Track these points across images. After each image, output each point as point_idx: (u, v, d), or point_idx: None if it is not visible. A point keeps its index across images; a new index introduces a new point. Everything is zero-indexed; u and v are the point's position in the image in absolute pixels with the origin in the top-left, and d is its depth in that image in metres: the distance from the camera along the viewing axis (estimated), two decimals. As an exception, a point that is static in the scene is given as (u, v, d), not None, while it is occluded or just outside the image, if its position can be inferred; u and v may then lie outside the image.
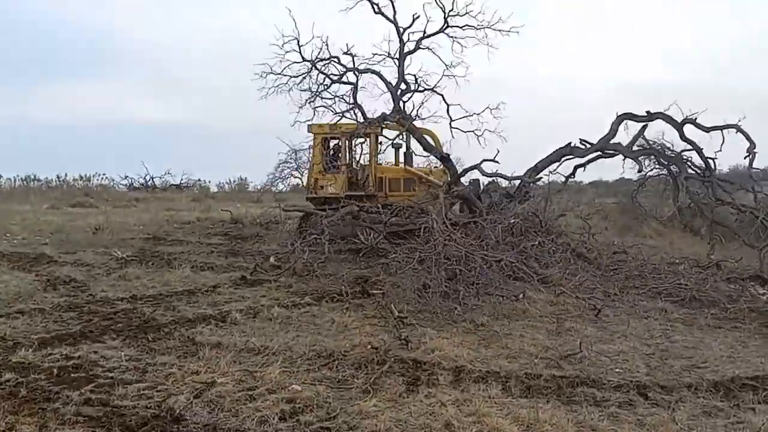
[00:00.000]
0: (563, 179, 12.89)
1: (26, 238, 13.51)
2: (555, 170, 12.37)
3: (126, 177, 34.14)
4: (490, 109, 12.43)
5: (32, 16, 63.70)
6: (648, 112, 11.54)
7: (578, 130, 43.54)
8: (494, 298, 7.76)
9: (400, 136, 13.95)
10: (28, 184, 31.13)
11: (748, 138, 10.90)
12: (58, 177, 32.30)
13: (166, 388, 4.69)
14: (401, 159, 14.98)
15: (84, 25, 65.16)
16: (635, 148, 11.74)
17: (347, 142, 14.37)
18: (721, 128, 11.04)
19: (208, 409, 4.27)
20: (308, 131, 13.81)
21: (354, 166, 14.71)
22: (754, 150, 10.89)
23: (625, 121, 11.77)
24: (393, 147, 14.93)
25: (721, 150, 11.04)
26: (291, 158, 18.62)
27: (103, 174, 33.51)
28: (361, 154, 14.85)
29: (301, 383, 4.80)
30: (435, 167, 15.21)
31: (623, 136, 11.80)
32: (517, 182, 12.26)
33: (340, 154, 14.48)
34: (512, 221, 10.53)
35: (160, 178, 34.93)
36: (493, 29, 12.45)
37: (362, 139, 14.38)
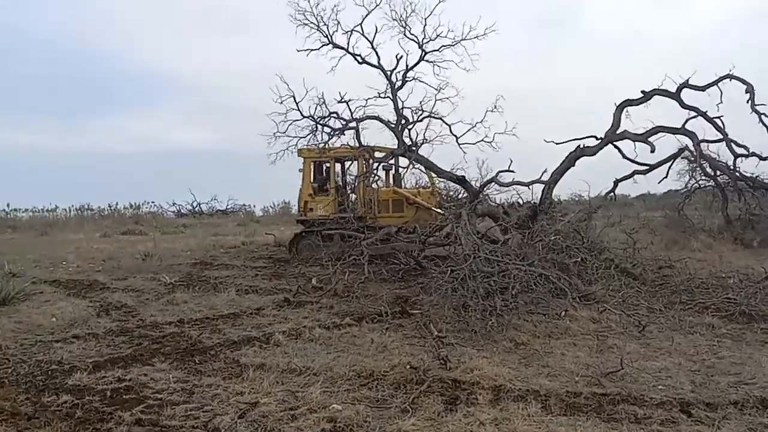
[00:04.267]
0: (604, 194, 12.75)
1: (80, 266, 14.10)
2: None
3: (174, 204, 35.30)
4: (491, 111, 12.71)
5: (71, 46, 66.38)
6: (642, 91, 11.43)
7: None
8: (536, 316, 7.72)
9: (389, 159, 14.21)
10: (81, 213, 32.44)
11: (743, 81, 11.19)
12: (109, 206, 33.65)
13: (211, 408, 4.85)
14: (390, 181, 15.28)
15: (132, 59, 67.67)
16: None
17: (335, 165, 14.79)
18: (715, 83, 11.20)
19: (252, 428, 4.41)
20: (298, 155, 14.14)
21: (345, 188, 15.06)
22: (753, 90, 11.16)
23: (625, 109, 11.63)
24: (383, 169, 15.22)
25: (721, 102, 11.20)
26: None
27: (152, 201, 34.79)
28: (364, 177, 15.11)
29: (342, 403, 4.89)
30: (423, 189, 15.42)
31: (628, 125, 11.69)
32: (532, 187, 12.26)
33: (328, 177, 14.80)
34: (552, 238, 10.45)
35: (207, 204, 35.95)
36: (468, 39, 12.92)
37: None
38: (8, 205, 31.16)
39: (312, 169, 14.62)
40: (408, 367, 5.82)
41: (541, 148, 13.17)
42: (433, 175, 14.58)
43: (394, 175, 15.10)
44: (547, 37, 66.98)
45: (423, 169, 14.35)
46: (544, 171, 11.77)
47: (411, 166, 13.86)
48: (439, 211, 14.24)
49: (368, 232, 12.33)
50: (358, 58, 13.36)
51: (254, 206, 36.58)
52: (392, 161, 14.24)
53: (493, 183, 12.26)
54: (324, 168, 15.01)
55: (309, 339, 7.13)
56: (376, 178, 14.83)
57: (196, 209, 35.16)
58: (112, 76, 66.98)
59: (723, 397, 4.99)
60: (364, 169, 14.56)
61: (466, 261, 8.10)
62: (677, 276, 10.51)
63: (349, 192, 15.19)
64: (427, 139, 12.80)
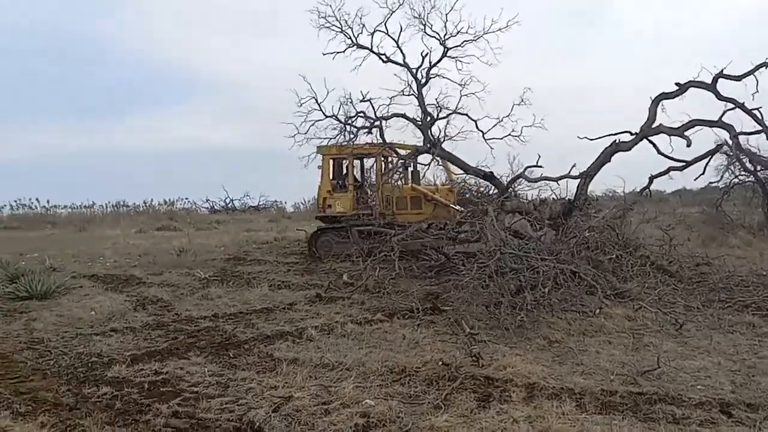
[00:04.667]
0: (639, 190, 12.51)
1: (117, 261, 14.43)
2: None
3: (207, 200, 35.87)
4: (517, 104, 12.55)
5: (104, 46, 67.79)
6: (677, 83, 11.13)
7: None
8: (570, 313, 7.62)
9: (414, 156, 14.11)
10: (118, 209, 33.21)
11: None
12: (144, 202, 34.36)
13: (246, 402, 4.92)
14: (409, 178, 15.18)
15: (170, 59, 68.91)
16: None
17: (354, 162, 14.74)
18: (752, 72, 10.85)
19: (286, 422, 4.46)
20: (317, 152, 14.12)
21: (363, 185, 15.03)
22: None
23: (661, 102, 11.35)
24: (402, 166, 15.11)
25: (757, 91, 10.85)
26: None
27: (186, 198, 35.39)
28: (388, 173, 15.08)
29: (374, 398, 4.91)
30: (441, 186, 15.31)
31: (663, 119, 11.42)
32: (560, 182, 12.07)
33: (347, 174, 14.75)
34: (587, 234, 10.30)
35: (240, 200, 36.46)
36: (490, 32, 12.74)
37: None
38: (48, 202, 32.06)
39: (331, 166, 14.64)
40: (440, 363, 5.81)
41: (576, 144, 12.86)
42: (454, 171, 14.53)
43: (412, 172, 15.02)
44: (575, 28, 65.83)
45: (448, 165, 14.32)
46: (573, 166, 11.63)
47: (435, 162, 13.75)
48: (457, 207, 14.25)
49: (395, 229, 12.28)
50: (383, 57, 13.36)
51: (285, 203, 36.95)
52: (412, 158, 14.19)
53: (522, 180, 12.12)
54: (343, 165, 15.01)
55: (341, 334, 7.17)
56: (400, 175, 14.84)
57: (229, 206, 35.64)
58: (148, 77, 68.25)
59: (765, 398, 4.86)
60: (383, 167, 14.58)
61: (492, 257, 8.03)
62: (715, 273, 10.28)
63: (367, 188, 15.14)
64: (448, 135, 12.73)
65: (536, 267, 7.87)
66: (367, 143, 13.87)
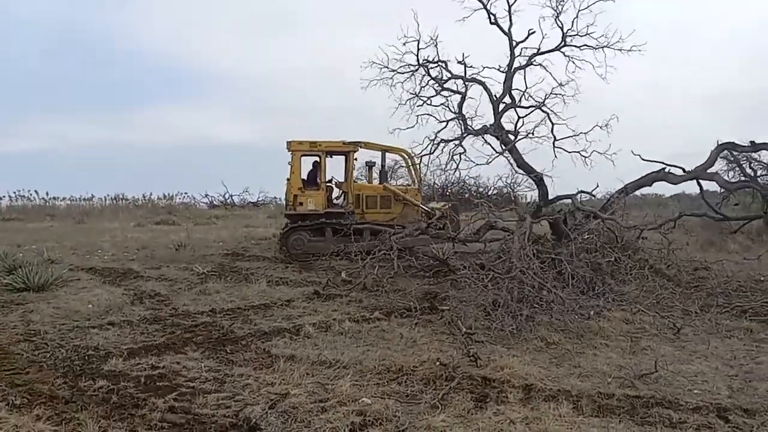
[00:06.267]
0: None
1: (115, 254, 14.38)
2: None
3: (206, 195, 35.68)
4: (600, 126, 12.16)
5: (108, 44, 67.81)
6: (752, 142, 11.00)
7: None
8: (567, 315, 7.61)
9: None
10: (116, 202, 33.08)
11: None
12: (143, 196, 34.18)
13: (243, 398, 4.92)
14: (375, 176, 15.12)
15: (171, 54, 68.78)
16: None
17: (326, 159, 14.46)
18: None
19: (282, 419, 4.45)
20: (287, 148, 14.00)
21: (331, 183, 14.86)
22: None
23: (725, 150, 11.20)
24: (366, 165, 15.06)
25: None
26: (363, 174, 19.01)
27: (185, 193, 35.26)
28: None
29: (371, 396, 4.90)
30: (409, 186, 15.26)
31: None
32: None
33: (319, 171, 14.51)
34: (586, 237, 10.31)
35: (239, 196, 36.29)
36: (613, 48, 12.28)
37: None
38: (47, 194, 31.92)
39: (301, 163, 14.33)
40: (437, 363, 5.81)
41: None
42: (422, 172, 14.48)
43: (380, 171, 14.93)
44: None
45: (416, 166, 14.24)
46: (596, 186, 11.58)
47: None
48: (425, 208, 14.29)
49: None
50: (492, 16, 12.81)
51: (284, 199, 36.79)
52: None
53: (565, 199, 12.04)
54: (314, 162, 14.72)
55: (338, 332, 7.16)
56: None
57: (228, 201, 35.56)
58: (153, 72, 68.19)
59: (761, 404, 4.86)
60: (355, 165, 14.49)
61: (509, 270, 7.94)
62: (714, 278, 10.28)
63: (335, 187, 14.92)
64: (518, 131, 12.56)
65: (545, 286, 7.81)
66: (341, 141, 13.85)
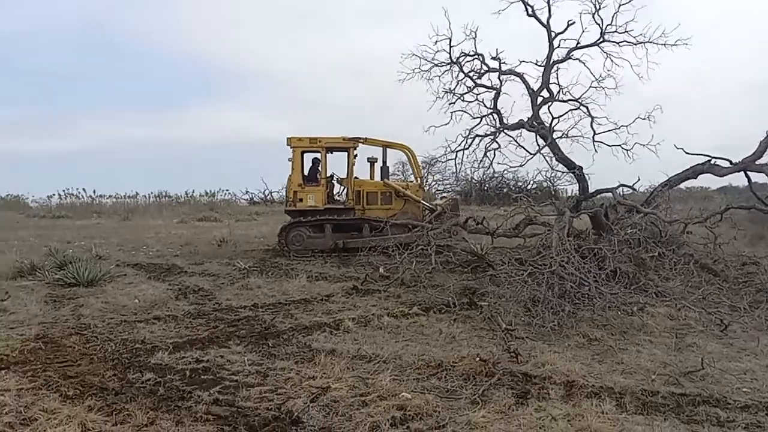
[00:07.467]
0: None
1: (160, 251, 14.77)
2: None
3: (247, 192, 36.22)
4: (642, 118, 11.95)
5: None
6: None
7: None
8: (610, 311, 7.49)
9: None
10: (160, 200, 33.88)
11: None
12: (186, 193, 34.92)
13: (285, 391, 5.00)
14: (377, 173, 14.93)
15: (208, 52, 70.03)
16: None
17: (327, 155, 14.39)
18: None
19: (324, 412, 4.52)
20: (287, 144, 13.97)
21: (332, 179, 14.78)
22: None
23: None
24: (368, 162, 14.90)
25: None
26: (398, 170, 19.03)
27: (226, 190, 35.86)
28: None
29: (411, 391, 4.92)
30: (410, 183, 15.09)
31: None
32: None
33: (320, 168, 14.45)
34: (629, 231, 10.09)
35: (278, 192, 36.66)
36: (656, 43, 12.02)
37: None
38: (94, 192, 32.90)
39: (302, 159, 14.31)
40: (477, 358, 5.78)
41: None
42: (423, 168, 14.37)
43: (381, 167, 14.82)
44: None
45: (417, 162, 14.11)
46: (638, 180, 11.46)
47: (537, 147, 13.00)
48: (427, 204, 14.16)
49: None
50: (529, 8, 12.66)
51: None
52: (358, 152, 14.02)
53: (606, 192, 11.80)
54: (314, 158, 14.67)
55: (377, 327, 7.21)
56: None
57: (268, 197, 35.99)
58: (190, 72, 69.58)
59: (814, 403, 4.71)
60: (355, 161, 14.40)
61: (548, 267, 7.87)
62: (763, 274, 9.92)
63: (336, 183, 14.85)
64: (553, 129, 12.40)
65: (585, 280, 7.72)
66: (341, 137, 13.85)
